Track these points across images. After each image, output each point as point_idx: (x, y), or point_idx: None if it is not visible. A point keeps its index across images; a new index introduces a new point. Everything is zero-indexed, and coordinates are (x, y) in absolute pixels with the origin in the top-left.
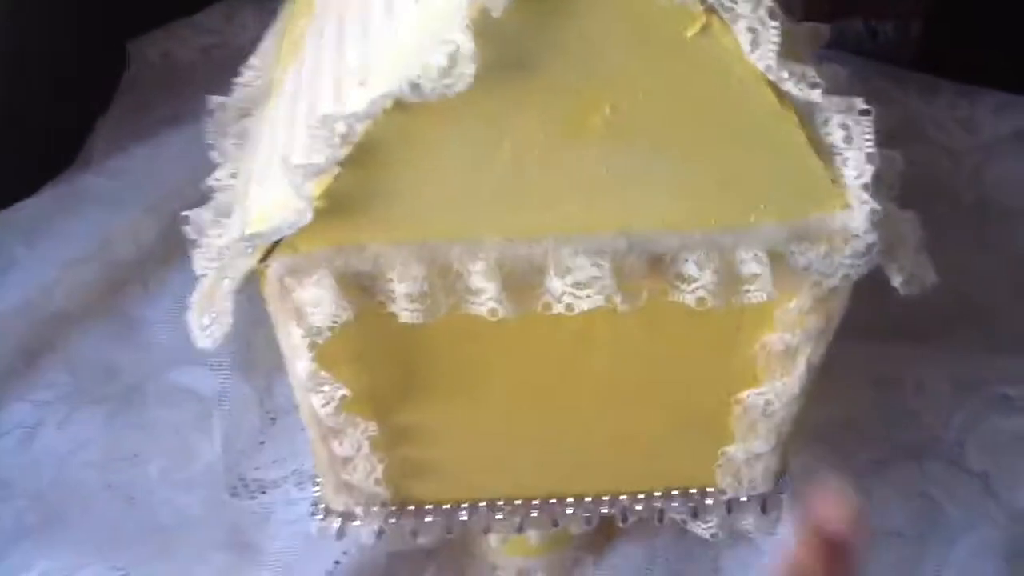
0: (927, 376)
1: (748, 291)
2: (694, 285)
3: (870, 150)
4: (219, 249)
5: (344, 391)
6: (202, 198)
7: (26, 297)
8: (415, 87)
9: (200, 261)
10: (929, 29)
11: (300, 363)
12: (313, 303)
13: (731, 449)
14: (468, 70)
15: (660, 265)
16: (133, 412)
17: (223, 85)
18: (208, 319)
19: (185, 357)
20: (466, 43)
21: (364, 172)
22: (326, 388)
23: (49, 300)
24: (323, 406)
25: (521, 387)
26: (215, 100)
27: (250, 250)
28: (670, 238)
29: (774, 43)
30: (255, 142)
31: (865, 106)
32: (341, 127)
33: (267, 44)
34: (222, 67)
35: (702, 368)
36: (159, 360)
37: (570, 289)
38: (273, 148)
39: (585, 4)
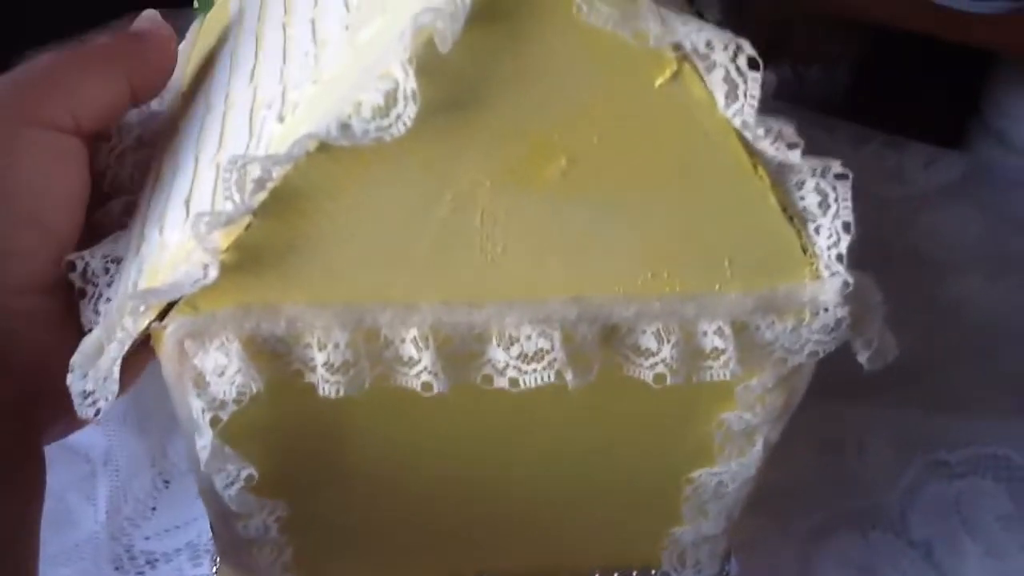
0: (868, 438)
1: (711, 367)
2: (652, 360)
3: (847, 219)
4: (107, 300)
5: (250, 470)
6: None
7: None
8: (345, 128)
9: (88, 312)
10: (858, 78)
11: (200, 440)
12: (216, 371)
13: (678, 530)
14: (408, 112)
15: (614, 336)
16: None
17: None
18: (92, 385)
19: None
20: (407, 81)
21: (281, 223)
22: (230, 467)
23: None
24: (226, 487)
25: (451, 465)
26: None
27: (143, 308)
28: (627, 306)
29: (754, 97)
30: (154, 175)
31: (843, 170)
32: (256, 171)
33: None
34: None
35: (653, 446)
36: None
37: (515, 362)
38: (175, 185)
39: (544, 42)
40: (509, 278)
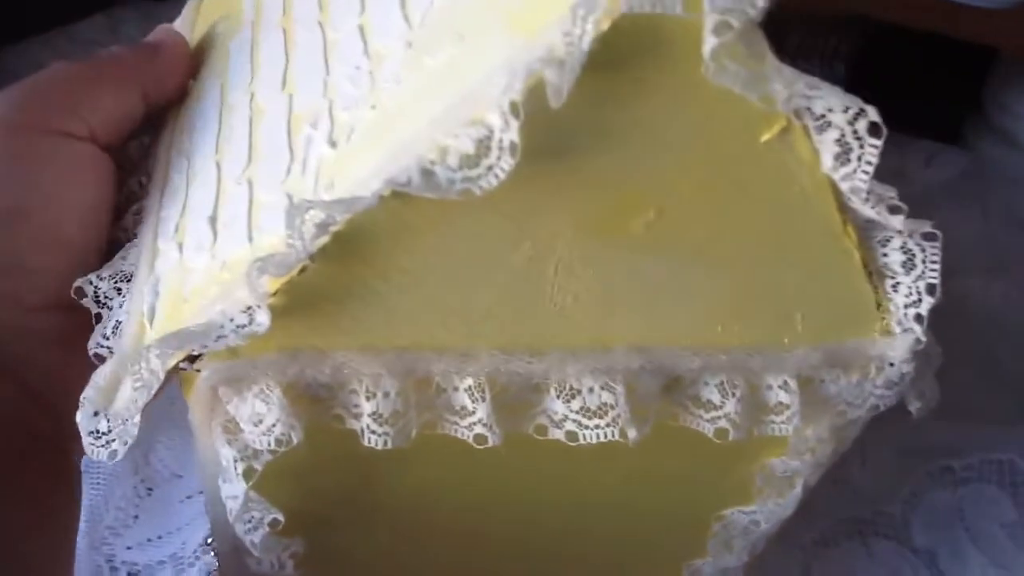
0: (870, 445)
1: (773, 422)
2: (714, 413)
3: (933, 281)
4: (118, 323)
5: (276, 515)
6: None
7: None
8: (428, 176)
9: (96, 338)
10: (857, 74)
11: (228, 488)
12: (253, 420)
13: (699, 562)
14: (503, 163)
15: (675, 387)
16: None
17: None
18: (105, 425)
19: None
20: (505, 131)
21: (339, 267)
22: (255, 513)
23: None
24: (248, 532)
25: (478, 505)
26: None
27: (171, 351)
28: (692, 358)
29: (869, 164)
30: (162, 174)
31: (932, 230)
32: (318, 215)
33: None
34: None
35: (691, 486)
36: None
37: (576, 416)
38: (192, 194)
39: (658, 95)
40: (574, 328)
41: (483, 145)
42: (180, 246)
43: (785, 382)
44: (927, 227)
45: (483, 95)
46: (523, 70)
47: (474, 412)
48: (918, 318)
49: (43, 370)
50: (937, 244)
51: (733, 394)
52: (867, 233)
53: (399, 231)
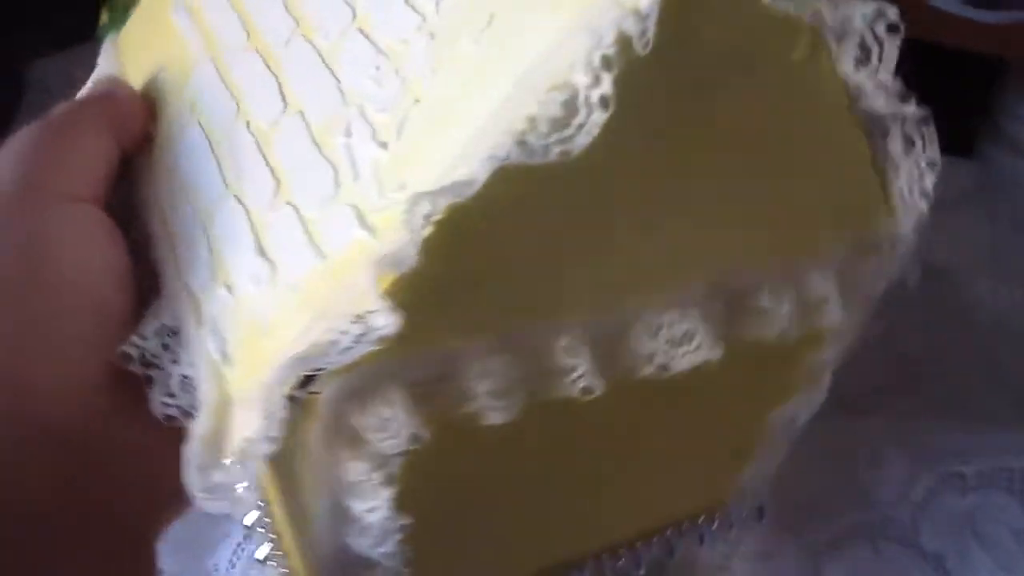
0: (881, 450)
1: (820, 316)
2: (773, 318)
3: (933, 158)
4: (183, 378)
5: (405, 520)
6: None
7: None
8: (523, 146)
9: (160, 398)
10: None
11: (363, 503)
12: (378, 427)
13: (747, 467)
14: (595, 118)
15: (736, 302)
16: None
17: None
18: (221, 475)
19: None
20: (593, 88)
21: (442, 258)
22: (389, 522)
23: None
24: (378, 544)
25: (563, 450)
26: None
27: (286, 379)
28: (749, 273)
29: (889, 60)
30: (168, 231)
31: (925, 113)
32: (426, 206)
33: None
34: None
35: (745, 393)
36: None
37: (664, 347)
38: (217, 232)
39: (723, 27)
40: (654, 268)
41: (570, 105)
42: (229, 287)
43: (825, 278)
44: (920, 112)
45: (559, 61)
46: (610, 25)
47: (576, 368)
48: (922, 193)
49: (110, 445)
50: (932, 129)
51: (785, 297)
52: (870, 127)
53: (493, 212)
